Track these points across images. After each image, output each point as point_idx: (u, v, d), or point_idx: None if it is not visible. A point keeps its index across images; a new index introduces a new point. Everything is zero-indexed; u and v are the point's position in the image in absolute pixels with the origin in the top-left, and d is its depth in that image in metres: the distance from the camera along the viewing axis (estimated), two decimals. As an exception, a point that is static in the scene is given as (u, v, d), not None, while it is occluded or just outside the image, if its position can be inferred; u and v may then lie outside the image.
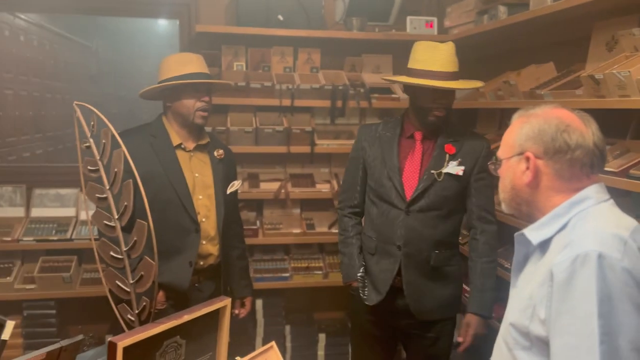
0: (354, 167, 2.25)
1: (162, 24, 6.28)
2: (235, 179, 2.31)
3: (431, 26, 3.19)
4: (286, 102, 3.03)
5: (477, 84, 2.17)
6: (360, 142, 2.21)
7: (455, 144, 2.11)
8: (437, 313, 2.15)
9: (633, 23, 2.02)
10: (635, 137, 1.98)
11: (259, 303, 3.18)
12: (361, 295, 2.16)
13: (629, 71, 1.70)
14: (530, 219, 1.27)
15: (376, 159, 2.14)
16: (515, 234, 1.27)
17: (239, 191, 2.36)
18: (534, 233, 1.23)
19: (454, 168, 2.07)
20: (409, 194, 2.06)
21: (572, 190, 1.19)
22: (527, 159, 1.21)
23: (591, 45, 2.22)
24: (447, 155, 2.09)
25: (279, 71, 3.20)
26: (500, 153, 1.31)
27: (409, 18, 3.18)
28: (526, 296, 1.18)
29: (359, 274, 2.18)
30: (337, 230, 2.38)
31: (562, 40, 2.55)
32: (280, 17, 3.01)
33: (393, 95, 3.16)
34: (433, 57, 2.00)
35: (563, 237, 1.16)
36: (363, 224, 2.28)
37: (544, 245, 1.21)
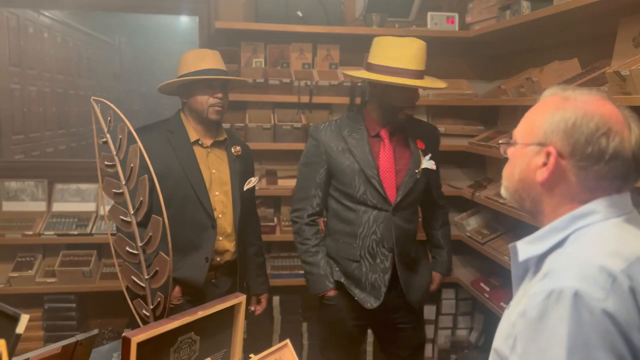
0: (312, 171, 2.13)
1: (183, 21, 6.33)
2: (252, 175, 2.30)
3: (452, 22, 3.15)
4: (305, 99, 3.01)
5: (443, 84, 2.13)
6: (322, 147, 2.09)
7: (422, 139, 2.15)
8: (423, 301, 2.25)
9: (661, 18, 1.96)
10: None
11: (276, 300, 3.18)
12: (360, 300, 2.10)
13: (656, 67, 1.65)
14: (532, 216, 1.09)
15: (348, 164, 2.07)
16: (510, 245, 1.08)
17: (256, 188, 2.36)
18: (525, 247, 1.04)
19: (428, 163, 2.12)
20: (391, 194, 2.07)
21: (589, 201, 0.99)
22: (548, 154, 0.98)
23: (617, 41, 2.16)
24: (420, 151, 2.13)
25: (298, 68, 3.19)
26: (518, 133, 1.07)
27: (429, 14, 3.14)
28: (511, 322, 1.00)
29: (343, 281, 2.12)
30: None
31: (587, 36, 2.49)
32: (300, 13, 3.00)
33: (413, 92, 3.13)
34: (407, 55, 1.94)
35: (556, 257, 0.98)
36: (329, 230, 2.20)
37: (540, 261, 1.02)
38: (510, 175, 1.08)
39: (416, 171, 2.10)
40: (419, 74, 1.97)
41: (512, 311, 1.03)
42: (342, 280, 2.12)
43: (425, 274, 2.24)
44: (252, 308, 2.39)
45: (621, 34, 2.15)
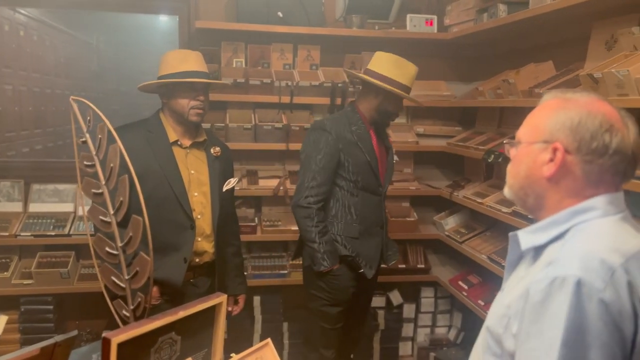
0: (327, 162, 2.33)
1: (163, 20, 6.28)
2: (232, 176, 2.30)
3: (431, 24, 3.19)
4: (285, 99, 3.02)
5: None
6: (337, 140, 2.33)
7: (388, 137, 2.61)
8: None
9: (633, 22, 2.01)
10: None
11: (256, 300, 3.18)
12: (363, 270, 2.41)
13: (627, 70, 1.70)
14: (532, 213, 1.16)
15: (360, 156, 2.37)
16: (510, 234, 1.17)
17: (236, 188, 2.35)
18: (526, 236, 1.12)
19: (395, 156, 2.62)
20: (383, 182, 2.46)
21: (590, 197, 1.06)
22: (555, 150, 1.05)
23: (590, 44, 2.22)
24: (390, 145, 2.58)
25: (279, 68, 3.19)
26: (522, 134, 1.14)
27: (409, 16, 3.18)
28: (506, 304, 1.09)
29: (348, 255, 2.39)
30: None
31: (562, 39, 2.55)
32: (280, 14, 3.01)
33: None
34: (408, 75, 2.34)
35: (555, 248, 1.06)
36: (327, 213, 2.41)
37: (539, 251, 1.10)
38: (516, 173, 1.14)
39: (393, 162, 2.57)
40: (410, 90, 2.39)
41: (508, 293, 1.11)
42: (347, 253, 2.39)
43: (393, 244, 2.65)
44: (230, 309, 2.38)
45: (594, 37, 2.20)
